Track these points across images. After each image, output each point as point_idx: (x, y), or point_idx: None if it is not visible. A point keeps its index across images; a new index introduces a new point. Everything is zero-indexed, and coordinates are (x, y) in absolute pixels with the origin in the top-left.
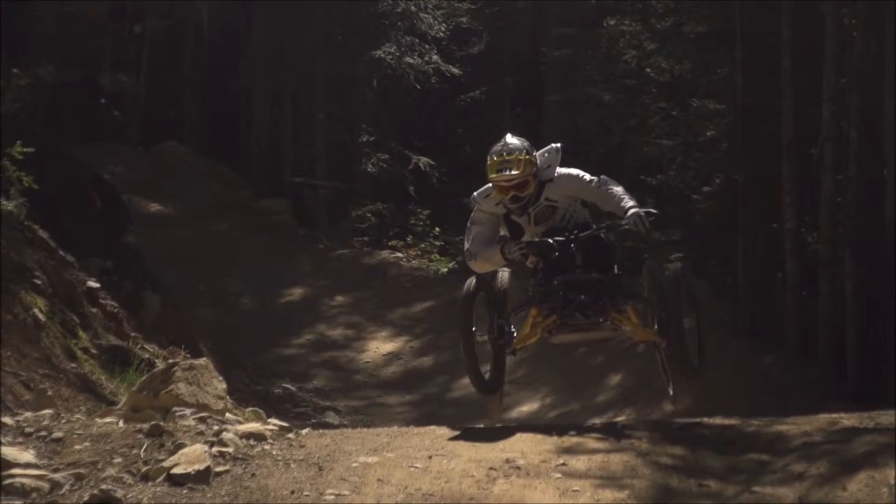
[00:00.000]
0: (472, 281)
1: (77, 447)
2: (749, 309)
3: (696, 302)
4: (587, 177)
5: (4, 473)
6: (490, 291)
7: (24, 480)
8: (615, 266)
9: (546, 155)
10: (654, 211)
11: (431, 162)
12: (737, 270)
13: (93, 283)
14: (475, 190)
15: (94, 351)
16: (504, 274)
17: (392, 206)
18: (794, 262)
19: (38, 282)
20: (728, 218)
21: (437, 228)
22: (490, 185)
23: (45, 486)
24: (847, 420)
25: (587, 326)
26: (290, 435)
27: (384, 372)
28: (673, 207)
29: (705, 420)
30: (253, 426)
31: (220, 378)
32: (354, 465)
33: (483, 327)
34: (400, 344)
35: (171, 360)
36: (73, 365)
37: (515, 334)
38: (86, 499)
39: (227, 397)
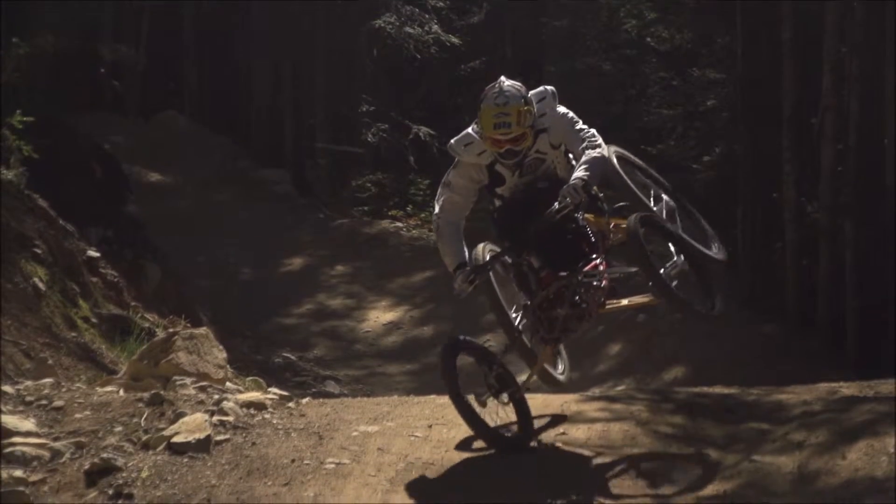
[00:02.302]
0: (446, 347)
1: (77, 416)
2: (749, 278)
3: (677, 240)
4: (579, 125)
5: (5, 442)
6: (471, 348)
7: (25, 449)
8: (580, 234)
9: (542, 100)
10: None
11: (431, 132)
12: (737, 240)
13: (93, 253)
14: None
15: (94, 320)
16: (479, 250)
17: (392, 176)
18: (794, 231)
19: (39, 251)
20: (728, 188)
21: None
22: (470, 130)
23: (46, 454)
24: (847, 389)
25: (585, 325)
26: (291, 404)
27: (384, 341)
28: (673, 177)
29: (705, 389)
30: (253, 395)
31: (221, 347)
32: (355, 433)
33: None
34: (400, 313)
35: (171, 330)
36: (74, 334)
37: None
38: (86, 467)
39: (228, 366)
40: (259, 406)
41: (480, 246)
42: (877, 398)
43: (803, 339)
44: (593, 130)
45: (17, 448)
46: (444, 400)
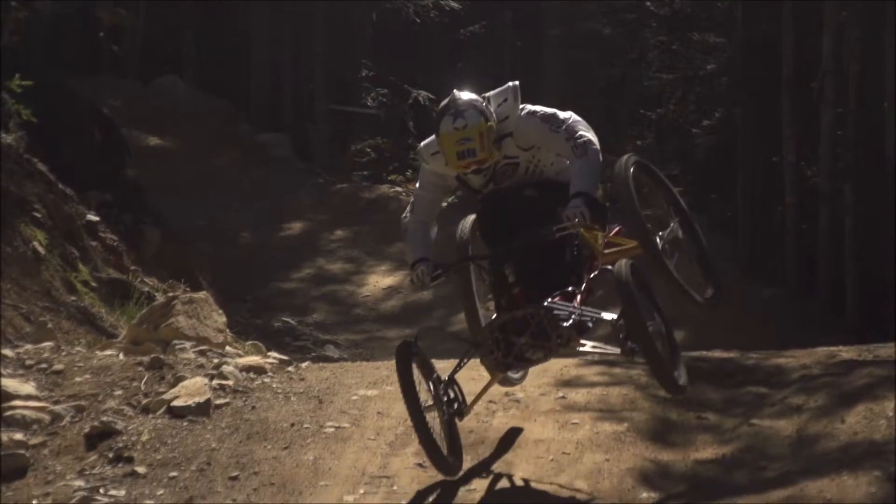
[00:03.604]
0: (400, 351)
1: (77, 379)
2: (748, 242)
3: (655, 302)
4: (553, 124)
5: (5, 405)
6: (421, 357)
7: (25, 412)
8: (568, 257)
9: (502, 103)
10: (605, 204)
11: (431, 96)
12: (736, 204)
13: (92, 217)
14: None
15: (93, 284)
16: (468, 223)
17: (391, 141)
18: (794, 195)
19: (38, 215)
20: (728, 152)
21: None
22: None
23: (46, 417)
24: (846, 353)
25: (544, 360)
26: (290, 368)
27: (383, 306)
28: (673, 141)
29: (704, 353)
30: (253, 359)
31: (220, 311)
32: (354, 398)
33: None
34: (399, 278)
35: (170, 294)
36: (73, 298)
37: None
38: (86, 430)
39: (227, 330)
40: (259, 370)
41: (470, 218)
42: (876, 362)
43: (802, 303)
44: (573, 120)
45: (18, 411)
46: (443, 365)
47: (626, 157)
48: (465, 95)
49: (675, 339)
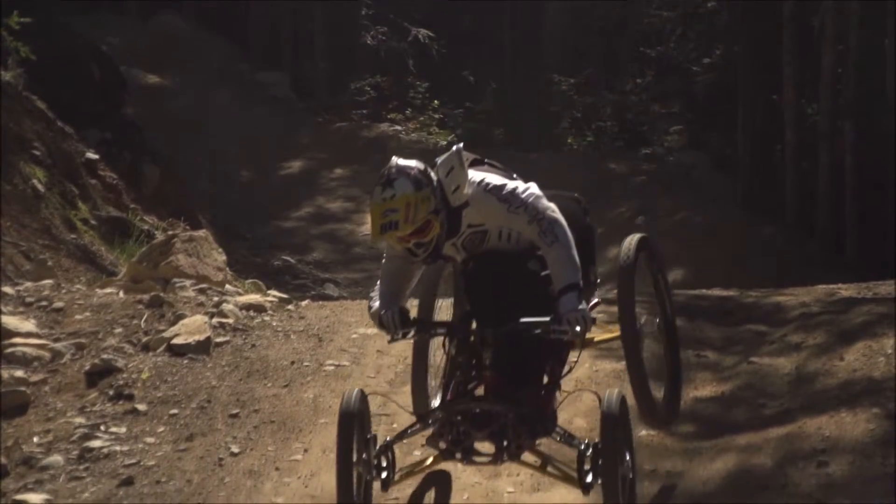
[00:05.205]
0: (351, 395)
1: (78, 317)
2: (748, 181)
3: (630, 443)
4: (511, 204)
5: (6, 342)
6: (363, 411)
7: (26, 349)
8: (545, 359)
9: (449, 172)
10: (593, 318)
11: (430, 34)
12: (736, 142)
13: (92, 155)
14: (475, 64)
15: (93, 222)
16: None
17: (391, 79)
18: (794, 133)
19: (37, 153)
20: (728, 90)
21: (435, 101)
22: None
23: (47, 355)
24: (845, 291)
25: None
26: (290, 306)
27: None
28: (672, 79)
29: (704, 291)
30: (253, 298)
31: (220, 250)
32: (354, 336)
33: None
34: None
35: (170, 232)
36: (73, 236)
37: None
38: (87, 368)
39: (227, 269)
40: (258, 308)
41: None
42: (875, 299)
43: (802, 241)
44: (532, 196)
45: (18, 349)
46: (444, 303)
47: (633, 240)
48: (403, 162)
49: (636, 488)
